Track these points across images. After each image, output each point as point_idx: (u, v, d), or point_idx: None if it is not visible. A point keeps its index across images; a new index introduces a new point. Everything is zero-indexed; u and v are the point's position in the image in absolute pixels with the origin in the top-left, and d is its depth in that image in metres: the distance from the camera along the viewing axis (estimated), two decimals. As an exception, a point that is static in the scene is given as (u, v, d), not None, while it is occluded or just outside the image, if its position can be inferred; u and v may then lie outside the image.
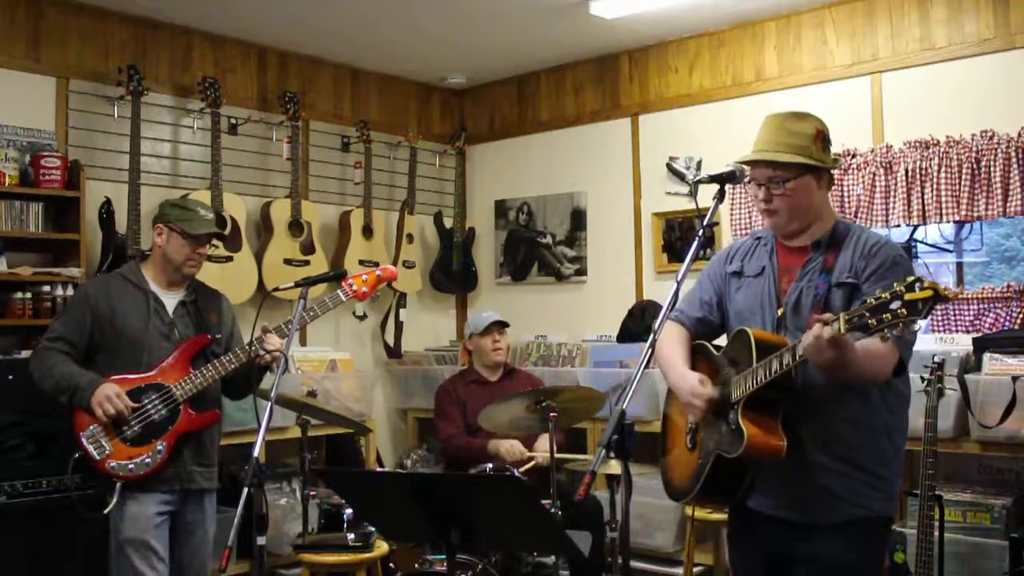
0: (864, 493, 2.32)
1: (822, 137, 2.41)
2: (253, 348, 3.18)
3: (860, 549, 2.34)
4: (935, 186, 4.38)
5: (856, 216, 4.61)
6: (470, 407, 4.41)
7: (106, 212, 4.56)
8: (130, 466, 3.10)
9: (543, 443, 4.30)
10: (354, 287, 3.32)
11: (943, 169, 4.36)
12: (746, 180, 2.42)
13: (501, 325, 4.64)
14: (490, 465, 4.07)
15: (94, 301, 3.22)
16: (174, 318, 3.29)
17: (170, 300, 3.31)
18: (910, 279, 1.92)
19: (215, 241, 3.47)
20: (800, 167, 2.37)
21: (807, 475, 2.32)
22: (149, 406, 3.13)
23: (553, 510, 3.52)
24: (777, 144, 2.40)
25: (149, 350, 3.20)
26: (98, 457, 3.09)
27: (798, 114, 2.47)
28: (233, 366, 3.21)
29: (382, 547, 3.77)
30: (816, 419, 2.33)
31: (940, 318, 4.45)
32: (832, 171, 2.49)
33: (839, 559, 2.32)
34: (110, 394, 3.05)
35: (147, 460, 3.11)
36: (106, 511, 3.11)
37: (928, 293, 1.89)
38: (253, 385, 3.34)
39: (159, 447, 3.13)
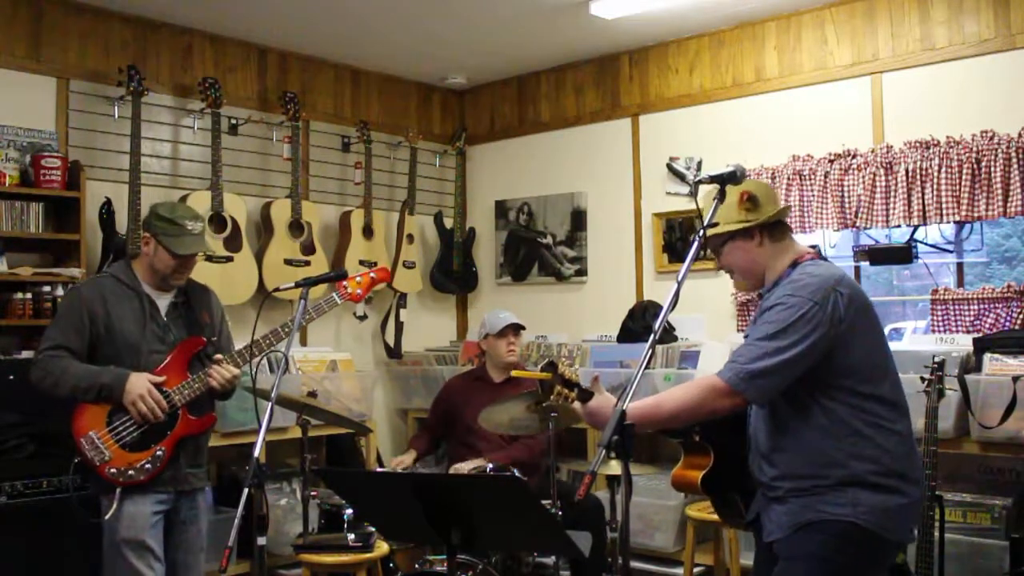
0: (816, 501, 2.41)
1: (747, 198, 2.55)
2: (204, 375, 3.15)
3: (814, 547, 2.41)
4: (935, 186, 4.38)
5: (856, 216, 4.61)
6: (470, 406, 4.41)
7: (106, 212, 4.56)
8: (130, 472, 3.07)
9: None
10: (348, 289, 3.32)
11: (943, 169, 4.36)
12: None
13: (517, 328, 4.65)
14: (490, 465, 4.08)
15: (90, 304, 3.14)
16: (168, 320, 3.24)
17: (163, 301, 3.26)
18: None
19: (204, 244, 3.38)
20: (723, 235, 2.58)
21: (769, 503, 2.52)
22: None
23: (553, 510, 3.52)
24: (712, 218, 2.59)
25: (147, 354, 3.15)
26: (97, 463, 3.06)
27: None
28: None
29: (382, 547, 3.77)
30: (763, 453, 2.53)
31: (941, 318, 4.45)
32: (770, 222, 2.56)
33: (793, 554, 2.46)
34: (142, 392, 3.02)
35: (147, 465, 3.09)
36: (107, 517, 3.06)
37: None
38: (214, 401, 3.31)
39: (158, 452, 3.11)
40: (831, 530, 2.37)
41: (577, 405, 2.50)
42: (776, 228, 2.59)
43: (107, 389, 3.03)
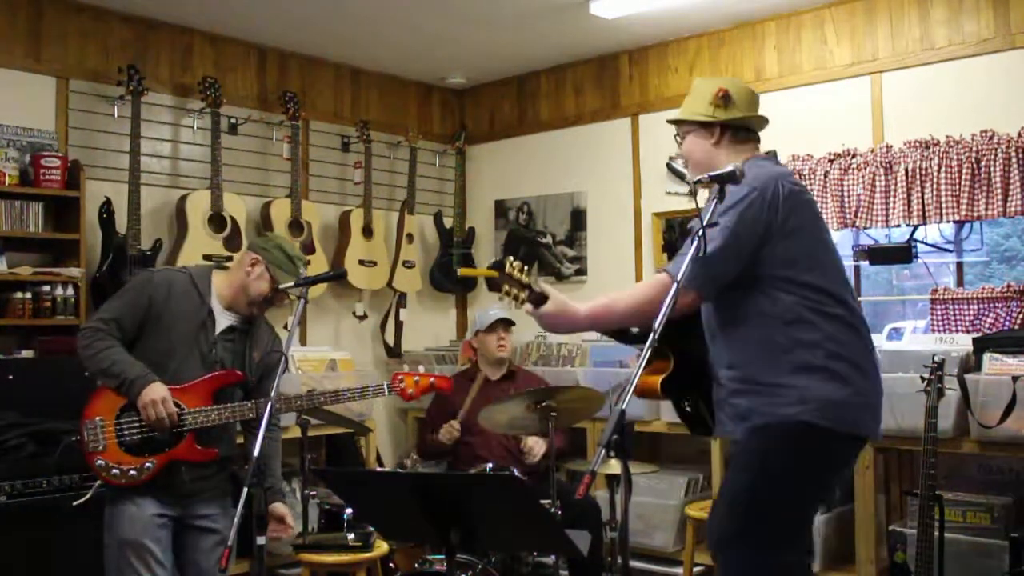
0: (765, 402, 2.42)
1: (722, 95, 2.59)
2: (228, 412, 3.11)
3: (766, 442, 2.42)
4: (935, 186, 4.38)
5: (856, 215, 4.61)
6: (466, 405, 4.42)
7: (106, 212, 4.56)
8: (114, 471, 3.03)
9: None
10: (403, 385, 3.27)
11: (943, 169, 4.36)
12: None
13: (507, 323, 4.65)
14: (490, 465, 4.08)
15: (155, 290, 3.10)
16: (218, 338, 3.18)
17: (223, 320, 3.20)
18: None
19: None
20: (685, 122, 2.67)
21: (722, 398, 2.53)
22: None
23: (553, 510, 3.52)
24: (683, 105, 2.67)
25: (180, 361, 3.10)
26: (89, 449, 3.03)
27: (711, 79, 2.72)
28: (250, 415, 3.14)
29: (382, 547, 3.77)
30: (714, 349, 2.57)
31: (940, 318, 4.45)
32: (733, 124, 2.61)
33: (745, 448, 2.48)
34: (156, 399, 2.98)
35: (132, 472, 3.03)
36: (76, 503, 3.07)
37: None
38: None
39: (148, 464, 3.05)
40: (782, 431, 2.38)
41: (528, 307, 2.42)
42: (740, 132, 2.62)
43: (128, 384, 3.01)
